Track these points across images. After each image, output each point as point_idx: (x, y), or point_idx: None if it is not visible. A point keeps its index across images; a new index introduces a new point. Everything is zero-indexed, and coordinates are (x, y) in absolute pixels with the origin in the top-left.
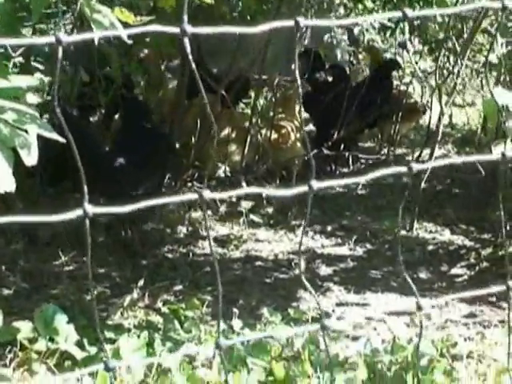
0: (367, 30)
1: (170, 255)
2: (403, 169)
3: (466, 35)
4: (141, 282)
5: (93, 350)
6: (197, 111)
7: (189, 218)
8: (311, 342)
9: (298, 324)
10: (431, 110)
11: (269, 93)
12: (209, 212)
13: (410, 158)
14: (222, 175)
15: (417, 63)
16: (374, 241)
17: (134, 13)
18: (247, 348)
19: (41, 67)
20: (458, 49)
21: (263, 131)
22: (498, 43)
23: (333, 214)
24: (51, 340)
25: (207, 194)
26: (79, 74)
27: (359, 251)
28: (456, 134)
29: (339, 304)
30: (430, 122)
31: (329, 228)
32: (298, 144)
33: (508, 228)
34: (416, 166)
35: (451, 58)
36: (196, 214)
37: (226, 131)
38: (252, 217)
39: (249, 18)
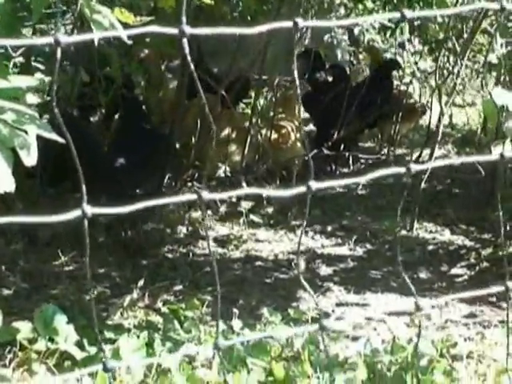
0: (367, 30)
1: (170, 255)
2: (402, 169)
3: (465, 35)
4: (141, 282)
5: (93, 350)
6: (197, 111)
7: (189, 218)
8: (311, 343)
9: (298, 324)
10: (431, 110)
11: (269, 93)
12: (209, 212)
13: (409, 158)
14: (222, 175)
15: (417, 63)
16: (374, 241)
17: (134, 13)
18: (247, 348)
19: (41, 67)
20: (458, 49)
21: (263, 131)
22: (497, 43)
23: (333, 214)
24: (51, 340)
25: (206, 195)
26: (79, 74)
27: (359, 251)
28: (456, 135)
29: (339, 304)
30: (430, 122)
31: (329, 228)
32: (298, 144)
33: (508, 228)
34: (415, 167)
35: (451, 58)
36: (196, 214)
37: (226, 131)
38: (252, 217)
39: (249, 18)
